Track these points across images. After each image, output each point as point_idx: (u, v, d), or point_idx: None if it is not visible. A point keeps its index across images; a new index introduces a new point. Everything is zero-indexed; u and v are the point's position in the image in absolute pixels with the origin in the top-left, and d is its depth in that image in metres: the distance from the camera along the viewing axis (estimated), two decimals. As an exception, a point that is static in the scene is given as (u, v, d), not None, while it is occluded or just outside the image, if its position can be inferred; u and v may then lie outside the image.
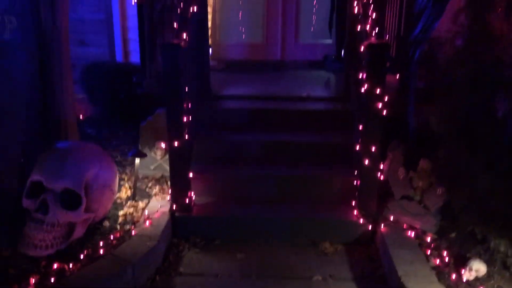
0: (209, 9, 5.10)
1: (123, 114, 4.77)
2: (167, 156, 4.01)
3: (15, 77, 3.30)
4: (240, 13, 6.01)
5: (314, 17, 6.01)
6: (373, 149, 3.33)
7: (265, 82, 5.01)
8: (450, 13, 2.97)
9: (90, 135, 4.67)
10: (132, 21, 5.63)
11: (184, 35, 3.46)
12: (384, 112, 3.28)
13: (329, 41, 5.85)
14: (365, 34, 3.49)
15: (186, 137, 3.51)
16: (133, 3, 4.41)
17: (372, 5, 3.69)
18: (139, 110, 4.37)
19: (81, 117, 4.86)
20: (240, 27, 6.07)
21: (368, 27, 3.50)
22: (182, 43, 3.32)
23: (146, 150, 4.04)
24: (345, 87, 4.38)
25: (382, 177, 3.49)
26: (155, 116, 4.15)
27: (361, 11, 3.70)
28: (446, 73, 2.87)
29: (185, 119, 3.45)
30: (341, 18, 5.33)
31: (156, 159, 4.06)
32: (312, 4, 5.96)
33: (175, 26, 3.65)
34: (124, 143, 4.55)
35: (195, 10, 3.80)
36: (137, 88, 4.63)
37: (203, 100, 4.25)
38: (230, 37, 6.07)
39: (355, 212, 3.51)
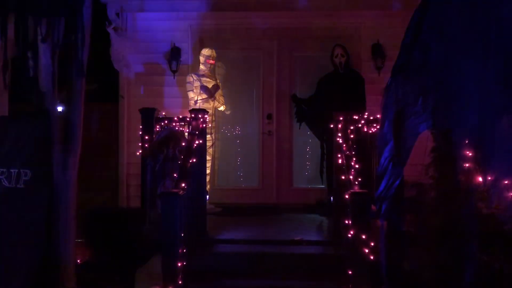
0: (208, 157, 5.52)
1: (120, 259, 4.86)
2: (161, 302, 4.04)
3: (25, 221, 3.52)
4: (238, 161, 6.46)
5: (307, 163, 6.43)
6: (362, 294, 3.39)
7: (261, 225, 5.22)
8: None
9: (87, 280, 4.70)
10: (135, 169, 6.04)
11: (183, 184, 3.77)
12: (372, 257, 3.42)
13: (321, 186, 6.17)
14: (349, 183, 3.80)
15: (180, 283, 3.59)
16: (137, 154, 4.82)
17: (354, 158, 4.06)
18: (136, 255, 4.48)
19: (78, 261, 4.94)
20: (238, 173, 6.47)
21: (351, 177, 3.83)
22: (181, 192, 3.60)
23: (141, 296, 4.06)
24: (335, 232, 4.55)
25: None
26: (150, 262, 4.25)
27: (344, 162, 4.07)
28: (425, 220, 3.08)
29: (179, 264, 3.57)
30: (329, 166, 5.73)
31: (150, 305, 4.06)
32: (305, 151, 6.44)
33: (175, 176, 3.98)
34: (119, 288, 4.56)
35: (194, 161, 4.17)
36: (136, 234, 4.80)
37: (199, 245, 4.39)
38: (227, 181, 6.43)
39: None
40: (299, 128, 6.19)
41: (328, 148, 5.83)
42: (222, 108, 6.09)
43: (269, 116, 6.41)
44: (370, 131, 4.70)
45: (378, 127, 4.66)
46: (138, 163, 5.47)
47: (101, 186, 6.36)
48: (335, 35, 6.21)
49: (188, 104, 6.05)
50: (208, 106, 5.83)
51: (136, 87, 6.28)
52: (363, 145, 4.69)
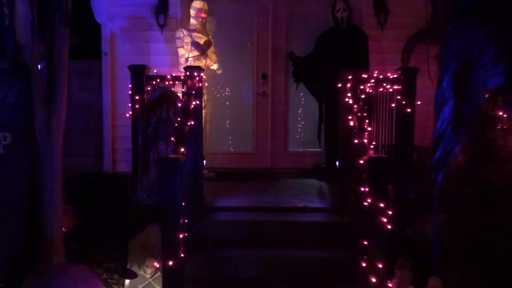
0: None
1: (110, 228, 4.54)
2: (157, 275, 3.76)
3: (5, 189, 3.15)
4: (231, 124, 6.10)
5: (303, 126, 6.12)
6: (380, 266, 3.17)
7: (258, 191, 4.93)
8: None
9: (74, 250, 4.38)
10: (123, 131, 5.65)
11: (182, 149, 3.42)
12: (389, 227, 3.19)
13: (318, 149, 5.90)
14: (362, 147, 3.51)
15: (182, 256, 3.31)
16: (127, 115, 4.41)
17: (367, 120, 3.76)
18: (128, 224, 4.17)
19: (63, 230, 4.60)
20: (230, 137, 6.13)
21: (365, 140, 3.53)
22: (181, 157, 3.26)
23: (135, 268, 3.78)
24: (341, 198, 4.31)
25: (390, 297, 3.29)
26: (145, 232, 3.95)
27: (356, 124, 3.77)
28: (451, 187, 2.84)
29: (180, 236, 3.27)
30: (330, 129, 5.45)
31: (145, 277, 3.79)
32: (301, 114, 6.11)
33: (172, 139, 3.62)
34: (110, 260, 4.25)
35: (191, 124, 3.81)
36: (127, 201, 4.47)
37: (197, 213, 4.10)
38: (220, 146, 6.08)
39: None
40: (296, 89, 5.83)
41: (328, 110, 5.54)
42: (214, 66, 5.67)
43: (264, 76, 6.02)
44: (380, 91, 4.40)
45: (388, 86, 4.38)
46: (125, 126, 5.11)
47: (84, 151, 5.95)
48: (336, -12, 5.78)
49: (177, 62, 5.62)
50: (200, 64, 5.40)
51: (120, 43, 5.78)
52: (370, 107, 4.40)
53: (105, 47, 5.78)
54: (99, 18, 5.59)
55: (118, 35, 5.75)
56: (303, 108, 6.09)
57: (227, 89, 6.08)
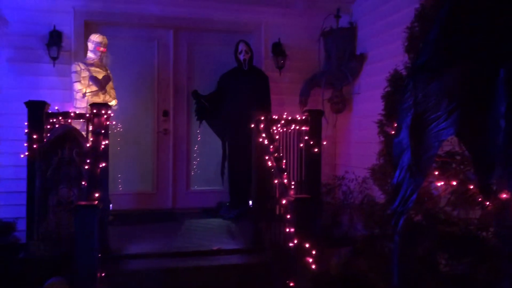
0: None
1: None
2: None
3: None
4: (130, 162, 5.79)
5: (206, 164, 6.05)
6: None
7: (166, 234, 4.70)
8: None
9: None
10: (7, 172, 5.04)
11: (97, 194, 3.14)
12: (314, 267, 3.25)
13: (221, 188, 5.86)
14: (283, 187, 3.57)
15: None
16: (22, 156, 3.92)
17: (284, 160, 3.86)
18: (22, 280, 3.66)
19: None
20: (130, 176, 5.80)
21: (285, 180, 3.60)
22: (99, 204, 2.98)
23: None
24: (257, 239, 4.29)
25: None
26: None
27: (274, 164, 3.83)
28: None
29: (97, 290, 2.96)
30: (233, 167, 5.48)
31: None
32: (204, 151, 6.04)
33: (81, 182, 3.32)
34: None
35: (104, 166, 3.54)
36: (19, 252, 3.93)
37: (105, 262, 3.74)
38: (118, 186, 5.71)
39: None
40: (199, 127, 5.77)
41: (232, 148, 5.57)
42: (113, 102, 5.37)
43: (166, 113, 5.87)
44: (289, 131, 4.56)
45: (297, 127, 4.55)
46: (16, 166, 4.61)
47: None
48: (236, 30, 5.95)
49: (70, 97, 5.24)
50: (98, 100, 5.07)
51: (6, 75, 5.20)
52: (282, 146, 4.52)
53: (-11, 79, 5.16)
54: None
55: (5, 67, 5.18)
56: (206, 145, 6.03)
57: (127, 126, 5.78)
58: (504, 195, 2.09)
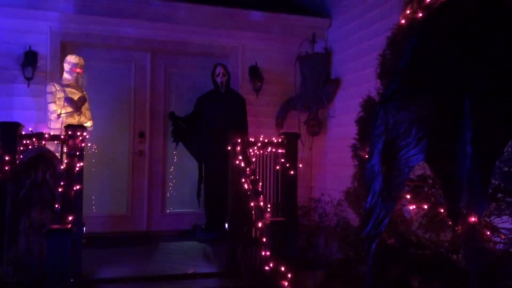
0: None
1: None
2: None
3: None
4: (104, 184, 5.72)
5: (182, 186, 6.02)
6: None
7: (140, 258, 4.65)
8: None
9: None
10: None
11: (70, 218, 3.10)
12: (290, 290, 3.25)
13: (197, 210, 5.84)
14: (259, 210, 3.58)
15: None
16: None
17: (260, 183, 3.88)
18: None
19: None
20: (103, 198, 5.73)
21: (262, 203, 3.62)
22: (73, 228, 2.94)
23: None
24: (232, 262, 4.27)
25: None
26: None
27: (250, 187, 3.85)
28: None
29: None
30: (209, 189, 5.48)
31: None
32: (179, 173, 6.02)
33: (54, 206, 3.27)
34: None
35: (78, 189, 3.50)
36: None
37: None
38: (91, 208, 5.62)
39: None
40: (176, 148, 5.76)
41: (208, 170, 5.57)
42: (89, 123, 5.32)
43: (142, 135, 5.86)
44: (265, 153, 4.59)
45: (274, 150, 4.59)
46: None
47: None
48: (213, 53, 6.03)
49: (44, 118, 5.19)
50: (73, 121, 5.04)
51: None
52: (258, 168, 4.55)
53: (-43, 99, 5.07)
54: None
55: (-24, 87, 5.12)
56: (182, 167, 6.02)
57: (102, 147, 5.73)
58: (473, 219, 2.16)
